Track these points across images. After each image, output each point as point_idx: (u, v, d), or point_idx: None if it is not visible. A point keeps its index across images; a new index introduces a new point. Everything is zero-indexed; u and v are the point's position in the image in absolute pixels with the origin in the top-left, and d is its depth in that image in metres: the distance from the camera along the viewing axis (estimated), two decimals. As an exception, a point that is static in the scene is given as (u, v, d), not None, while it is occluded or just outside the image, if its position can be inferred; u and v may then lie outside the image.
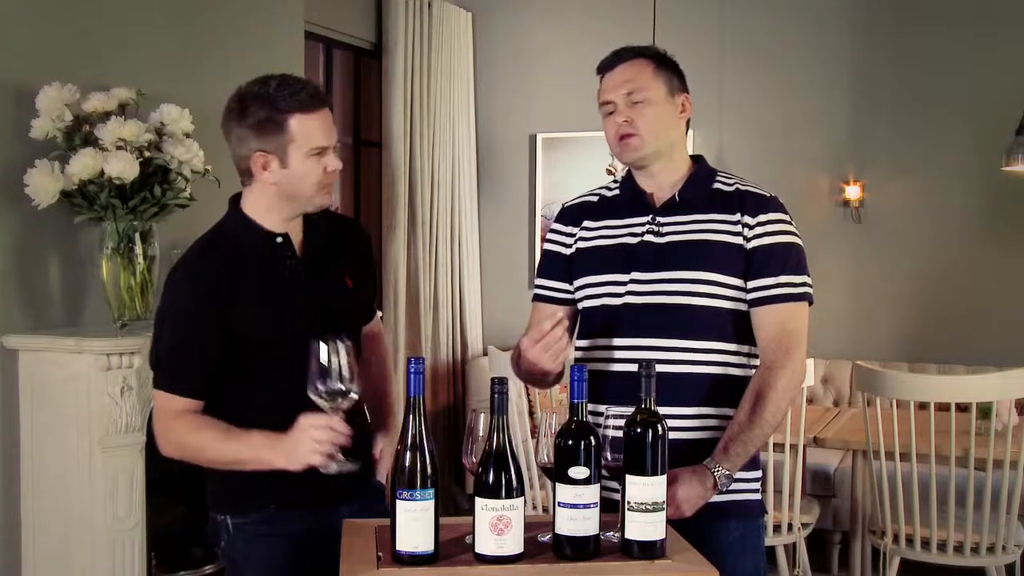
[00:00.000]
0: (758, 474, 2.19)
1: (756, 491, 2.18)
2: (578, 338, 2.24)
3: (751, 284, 2.11)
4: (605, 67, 2.20)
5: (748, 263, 2.11)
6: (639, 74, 2.15)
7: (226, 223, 2.19)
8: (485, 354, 5.64)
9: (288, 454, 1.95)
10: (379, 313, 2.46)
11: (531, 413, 4.82)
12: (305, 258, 2.17)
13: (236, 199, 2.19)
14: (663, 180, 2.19)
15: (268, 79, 2.12)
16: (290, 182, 2.09)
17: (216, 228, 2.19)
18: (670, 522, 1.77)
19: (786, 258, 2.12)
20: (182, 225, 3.29)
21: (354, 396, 1.93)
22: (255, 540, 2.15)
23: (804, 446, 3.80)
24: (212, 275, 2.08)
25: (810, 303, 2.15)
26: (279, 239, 2.14)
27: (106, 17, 3.27)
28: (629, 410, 1.77)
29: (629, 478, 1.73)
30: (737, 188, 2.18)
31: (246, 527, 2.16)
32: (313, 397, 1.90)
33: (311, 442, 1.91)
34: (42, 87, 2.93)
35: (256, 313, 2.09)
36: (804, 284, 2.13)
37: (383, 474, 2.24)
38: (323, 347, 1.89)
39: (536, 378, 2.14)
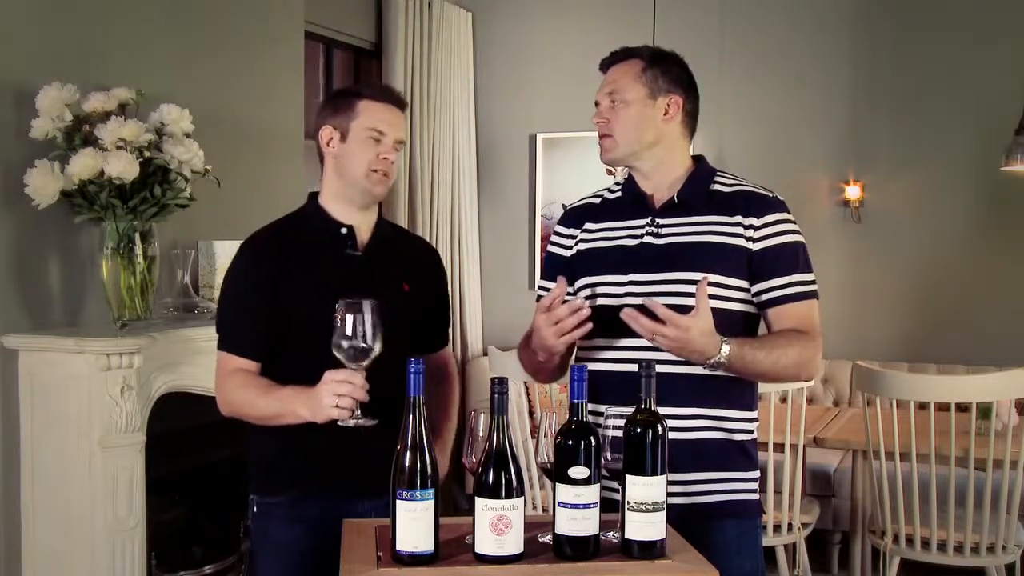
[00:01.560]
0: (756, 474, 2.19)
1: (754, 491, 2.18)
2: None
3: (763, 285, 2.12)
4: (602, 67, 2.23)
5: (755, 264, 2.11)
6: (623, 76, 2.17)
7: (300, 210, 2.34)
8: (485, 354, 5.63)
9: (312, 406, 2.03)
10: (449, 347, 2.51)
11: (531, 413, 4.82)
12: (366, 252, 2.27)
13: (314, 195, 2.33)
14: (660, 181, 2.19)
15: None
16: (344, 158, 2.24)
17: (290, 214, 2.35)
18: (669, 521, 1.77)
19: (796, 258, 2.14)
20: (182, 225, 3.29)
21: (375, 355, 1.97)
22: (276, 520, 2.25)
23: (804, 446, 3.80)
24: (267, 250, 2.25)
25: (817, 300, 2.17)
26: (344, 230, 2.26)
27: (106, 17, 3.27)
28: (629, 410, 1.77)
29: (629, 478, 1.73)
30: (738, 189, 2.18)
31: (270, 507, 2.26)
32: (336, 354, 1.97)
33: (332, 396, 1.99)
34: (42, 87, 2.92)
35: (304, 294, 2.20)
36: (813, 282, 2.15)
37: None
38: (348, 304, 1.96)
39: (537, 363, 2.17)
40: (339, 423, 2.01)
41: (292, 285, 2.21)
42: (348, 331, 1.96)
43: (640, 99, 2.15)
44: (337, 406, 1.99)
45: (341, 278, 2.22)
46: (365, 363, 1.98)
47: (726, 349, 1.98)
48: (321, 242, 2.26)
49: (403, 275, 2.31)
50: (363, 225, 2.30)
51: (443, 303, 2.49)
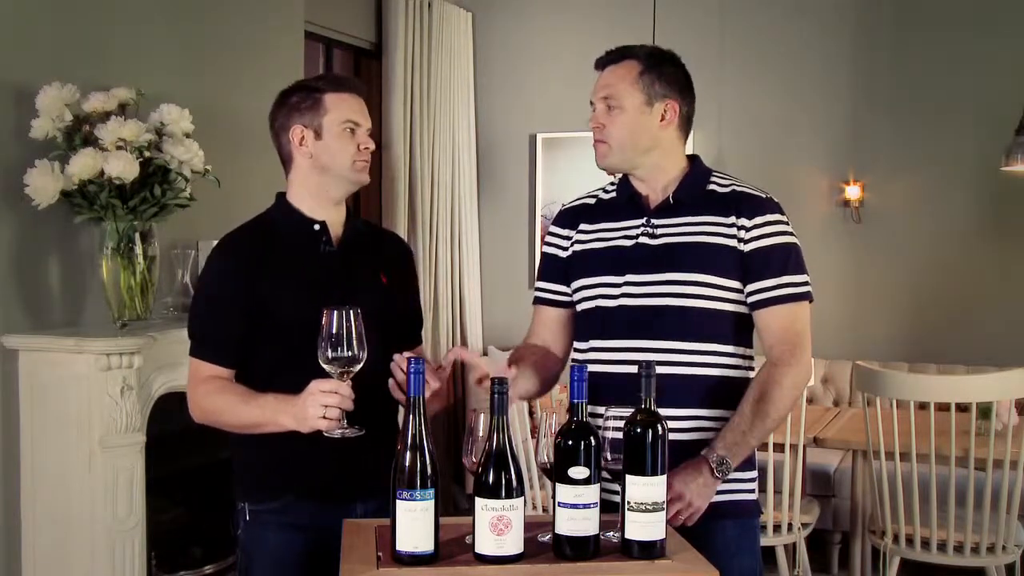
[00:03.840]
0: (754, 474, 2.19)
1: (752, 491, 2.19)
2: (575, 340, 2.25)
3: (753, 287, 2.11)
4: (597, 66, 2.21)
5: (746, 265, 2.11)
6: (620, 80, 2.14)
7: (269, 210, 2.30)
8: (485, 354, 5.63)
9: (297, 416, 2.00)
10: (423, 347, 2.46)
11: (531, 413, 4.82)
12: (341, 248, 2.24)
13: (282, 194, 2.30)
14: (655, 183, 2.19)
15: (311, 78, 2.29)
16: (324, 154, 2.20)
17: (259, 215, 2.31)
18: (671, 523, 1.77)
19: (786, 259, 2.12)
20: (182, 225, 3.29)
21: (361, 363, 1.95)
22: (269, 528, 2.20)
23: (804, 446, 3.80)
24: (244, 252, 2.20)
25: (810, 301, 2.15)
26: (317, 226, 2.22)
27: (106, 17, 3.27)
28: (629, 410, 1.77)
29: (629, 478, 1.73)
30: (733, 189, 2.17)
31: (262, 515, 2.21)
32: (322, 363, 1.94)
33: (317, 406, 1.96)
34: (42, 87, 2.92)
35: (284, 293, 2.17)
36: (805, 283, 2.13)
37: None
38: (333, 313, 1.93)
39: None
40: (325, 433, 1.97)
41: (270, 284, 2.16)
42: (335, 340, 1.92)
43: (636, 106, 2.13)
44: (324, 417, 1.95)
45: (319, 274, 2.20)
46: (352, 372, 1.95)
47: (715, 457, 2.01)
48: (296, 240, 2.22)
49: (379, 268, 2.28)
50: (335, 221, 2.25)
51: (416, 299, 2.44)
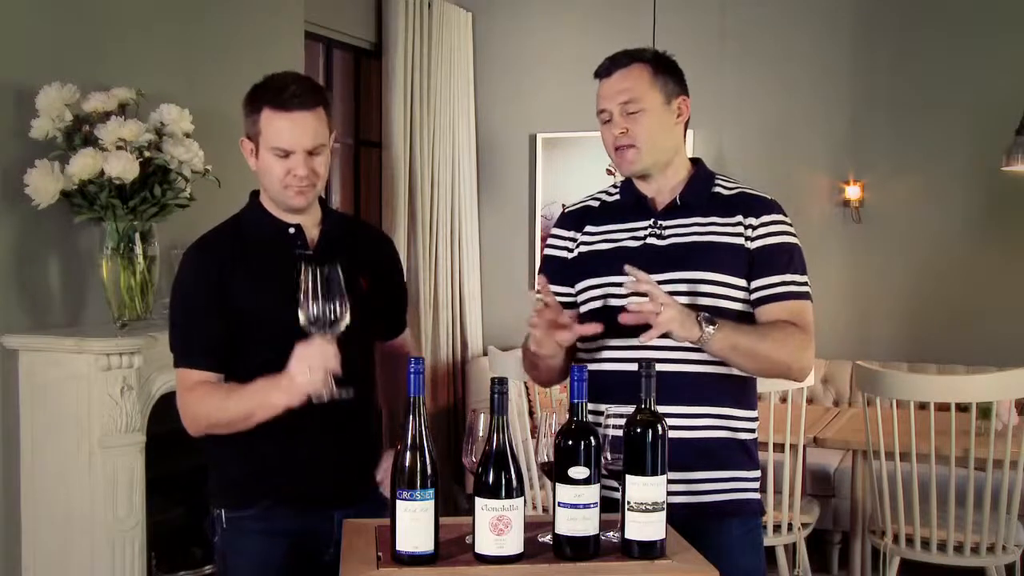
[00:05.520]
0: (757, 474, 2.20)
1: (755, 491, 2.19)
2: (580, 339, 2.25)
3: (756, 283, 2.12)
4: (601, 73, 2.19)
5: (751, 263, 2.12)
6: (636, 83, 2.14)
7: (243, 211, 2.26)
8: (485, 354, 5.63)
9: (287, 388, 1.96)
10: (408, 331, 2.44)
11: (531, 413, 4.82)
12: (316, 252, 2.18)
13: (256, 193, 2.25)
14: (663, 185, 2.20)
15: (275, 74, 2.16)
16: (260, 172, 2.15)
17: (233, 216, 2.26)
18: (673, 521, 1.77)
19: (790, 258, 2.14)
20: (182, 225, 3.29)
21: (345, 321, 1.92)
22: (247, 535, 2.17)
23: (804, 446, 3.80)
24: (217, 255, 2.15)
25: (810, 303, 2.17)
26: (291, 230, 2.18)
27: (106, 17, 3.27)
28: (629, 409, 1.77)
29: (629, 478, 1.73)
30: (739, 191, 2.20)
31: (239, 521, 2.18)
32: (303, 324, 1.90)
33: (303, 367, 1.92)
34: (42, 87, 2.92)
35: (257, 295, 2.13)
36: (806, 284, 2.16)
37: (385, 489, 2.18)
38: (313, 271, 1.88)
39: (539, 366, 2.18)
40: (314, 400, 1.93)
41: (242, 285, 2.12)
42: (314, 298, 1.87)
43: (659, 105, 2.14)
44: (311, 379, 1.91)
45: (291, 279, 2.09)
46: (335, 332, 1.91)
47: (710, 329, 1.97)
48: (270, 243, 2.17)
49: (359, 272, 2.20)
50: (309, 223, 2.20)
51: (401, 291, 2.41)
